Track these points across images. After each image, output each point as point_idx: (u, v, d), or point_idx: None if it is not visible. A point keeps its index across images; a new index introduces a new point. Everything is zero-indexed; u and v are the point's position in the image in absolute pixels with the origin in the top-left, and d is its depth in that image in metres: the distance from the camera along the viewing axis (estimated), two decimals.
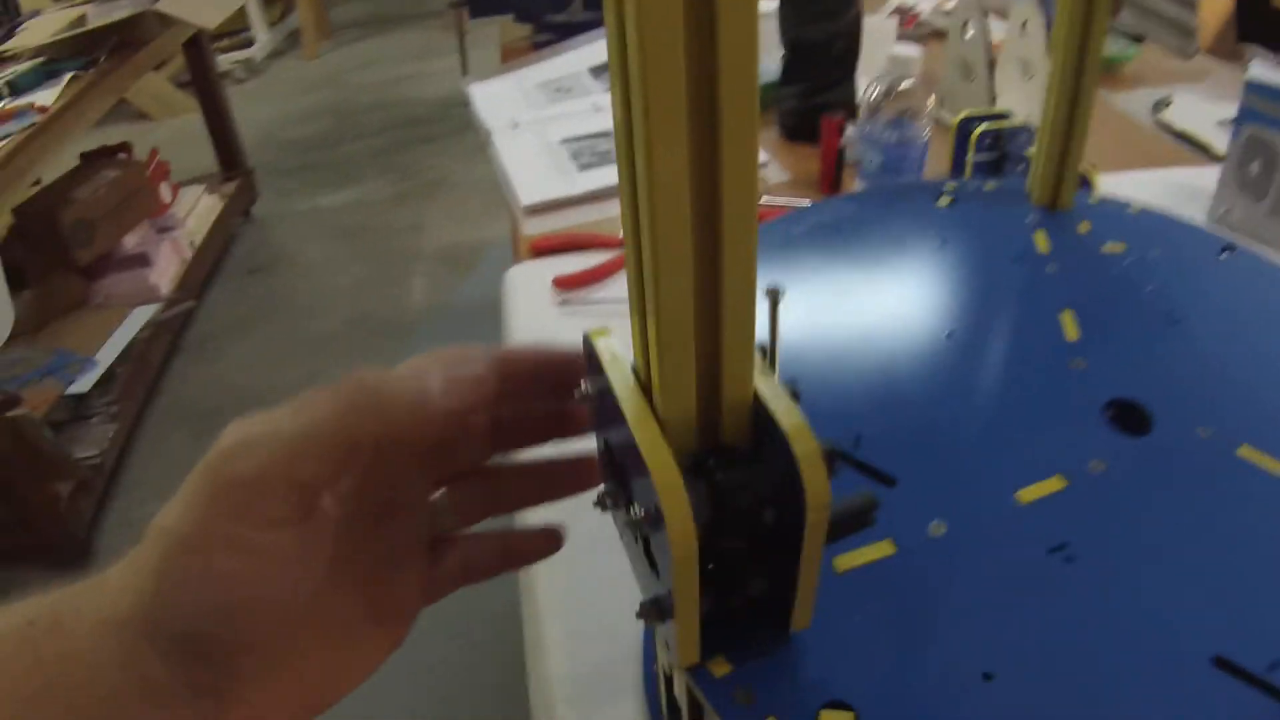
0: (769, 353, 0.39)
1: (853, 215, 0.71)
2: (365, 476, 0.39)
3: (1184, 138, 1.45)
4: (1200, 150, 1.41)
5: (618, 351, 0.40)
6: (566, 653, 0.64)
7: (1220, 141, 1.39)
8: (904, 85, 1.04)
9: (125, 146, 3.23)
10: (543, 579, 0.70)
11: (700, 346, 0.34)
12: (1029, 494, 0.48)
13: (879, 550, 0.45)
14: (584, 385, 0.41)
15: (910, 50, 1.05)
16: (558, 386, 0.43)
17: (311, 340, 2.99)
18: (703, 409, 0.36)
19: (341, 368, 2.54)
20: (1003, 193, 0.74)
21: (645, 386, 0.37)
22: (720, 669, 0.40)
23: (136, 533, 0.36)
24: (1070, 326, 0.58)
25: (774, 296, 0.37)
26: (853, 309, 0.61)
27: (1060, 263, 0.65)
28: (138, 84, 4.30)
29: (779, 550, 0.37)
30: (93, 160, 3.08)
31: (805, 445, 0.34)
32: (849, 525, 0.39)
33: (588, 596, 0.66)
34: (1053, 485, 0.48)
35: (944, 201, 0.72)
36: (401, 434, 0.39)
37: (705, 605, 0.37)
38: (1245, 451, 0.51)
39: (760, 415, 0.36)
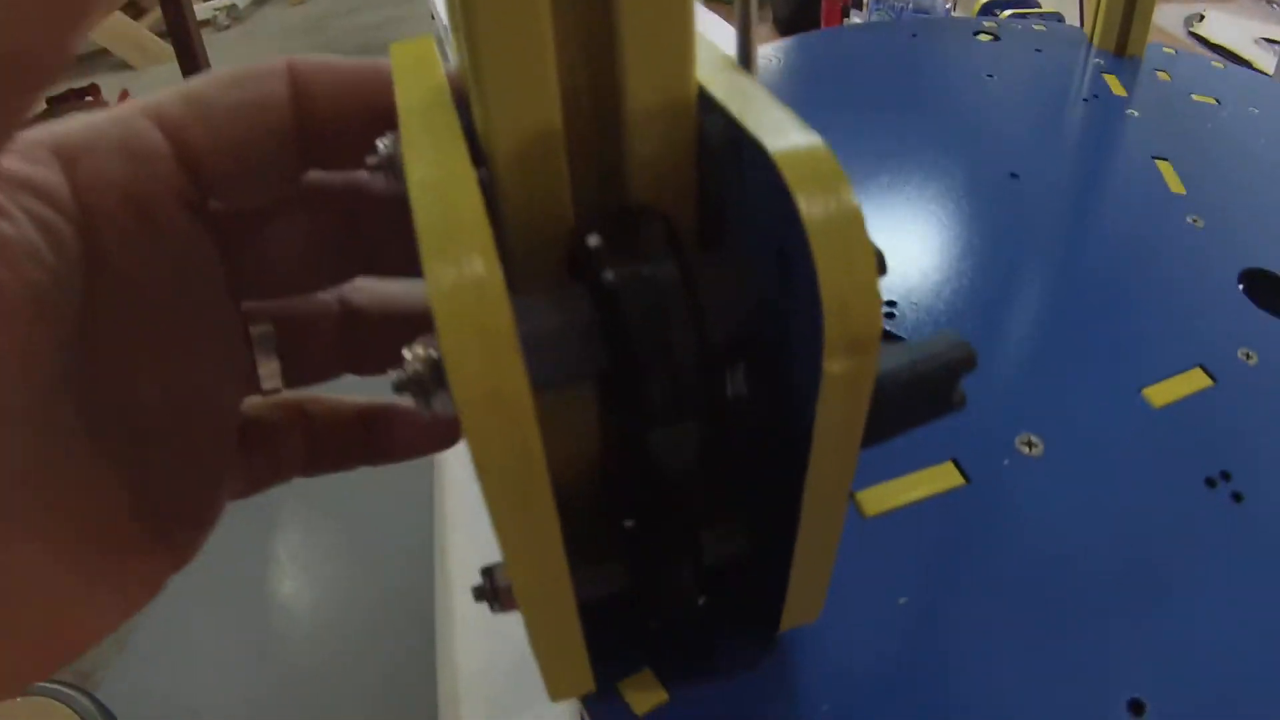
0: (742, 47, 0.20)
1: (872, 43, 0.54)
2: (66, 278, 0.22)
3: (1222, 51, 1.34)
4: (1241, 64, 1.29)
5: (436, 61, 0.22)
6: (482, 635, 0.47)
7: (1261, 59, 1.29)
8: None
9: (92, 89, 3.14)
10: (457, 535, 0.53)
11: None
12: (1162, 393, 0.31)
13: (937, 479, 0.28)
14: (382, 144, 0.21)
15: None
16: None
17: None
18: (584, 132, 0.18)
19: None
20: (1056, 34, 0.57)
21: (462, 98, 0.19)
22: (645, 700, 0.23)
23: None
24: (1172, 178, 0.42)
25: None
26: (876, 145, 0.44)
27: (1143, 108, 0.48)
28: (116, 32, 4.18)
29: (763, 460, 0.20)
30: (58, 104, 2.96)
31: (823, 199, 0.15)
32: (919, 398, 0.20)
33: None
34: (1194, 381, 0.31)
35: (985, 37, 0.56)
36: (122, 177, 0.23)
37: (602, 584, 0.20)
38: None
39: (717, 142, 0.18)
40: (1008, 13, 0.97)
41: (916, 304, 0.34)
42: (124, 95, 3.10)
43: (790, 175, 0.15)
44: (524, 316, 0.15)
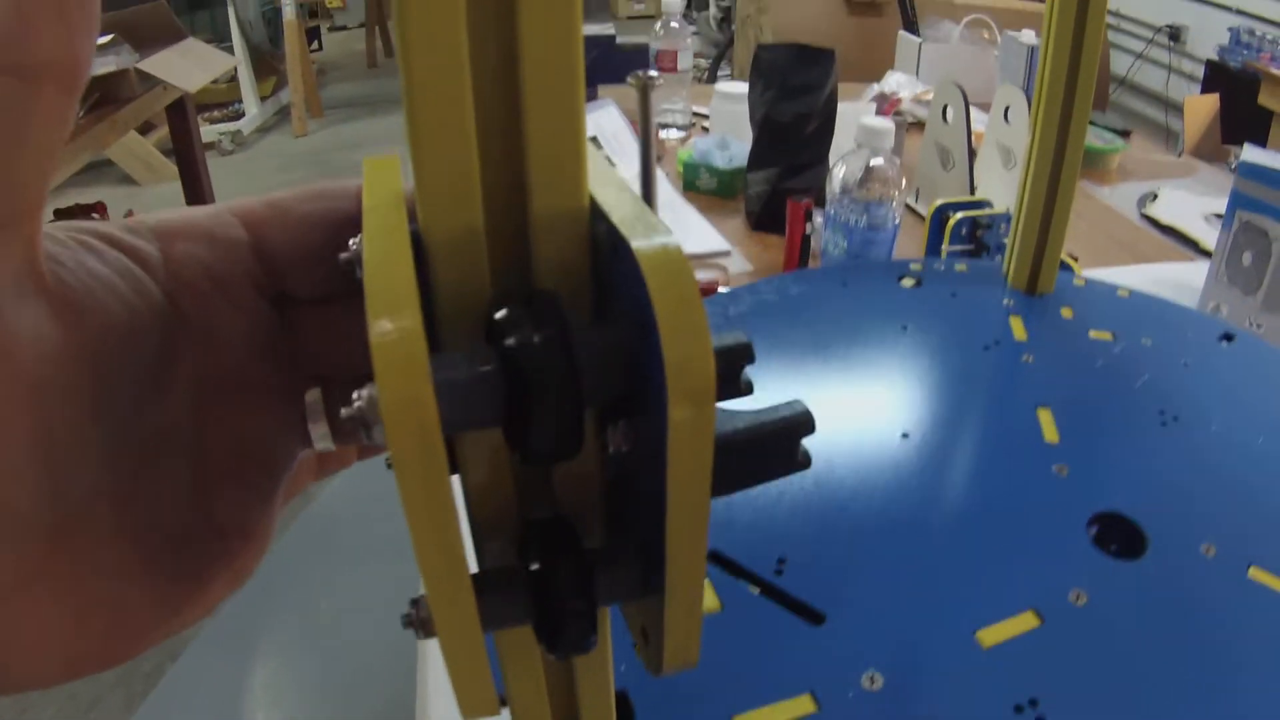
0: (644, 173, 0.26)
1: (800, 294, 0.62)
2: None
3: (1171, 232, 1.41)
4: (1189, 245, 1.37)
5: (398, 174, 0.26)
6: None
7: (1209, 236, 1.37)
8: (875, 161, 0.97)
9: (99, 206, 3.22)
10: (439, 696, 0.59)
11: (488, 116, 0.22)
12: (992, 635, 0.38)
13: (793, 709, 0.36)
14: (353, 243, 0.26)
15: (882, 122, 0.97)
16: None
17: None
18: (501, 231, 0.23)
19: None
20: (976, 274, 0.66)
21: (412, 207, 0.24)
22: None
23: None
24: (1049, 426, 0.50)
25: (644, 83, 0.26)
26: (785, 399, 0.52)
27: (1038, 352, 0.56)
28: (125, 148, 4.27)
29: (645, 509, 0.22)
30: (66, 218, 3.02)
31: (668, 282, 0.20)
32: (763, 453, 0.24)
33: None
34: (1023, 623, 0.39)
35: (908, 282, 0.64)
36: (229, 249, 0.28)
37: (509, 615, 0.23)
38: (1257, 574, 0.42)
39: (603, 241, 0.22)
40: (961, 213, 1.03)
41: (802, 559, 0.42)
42: (130, 215, 3.11)
43: (644, 263, 0.20)
44: (442, 366, 0.20)
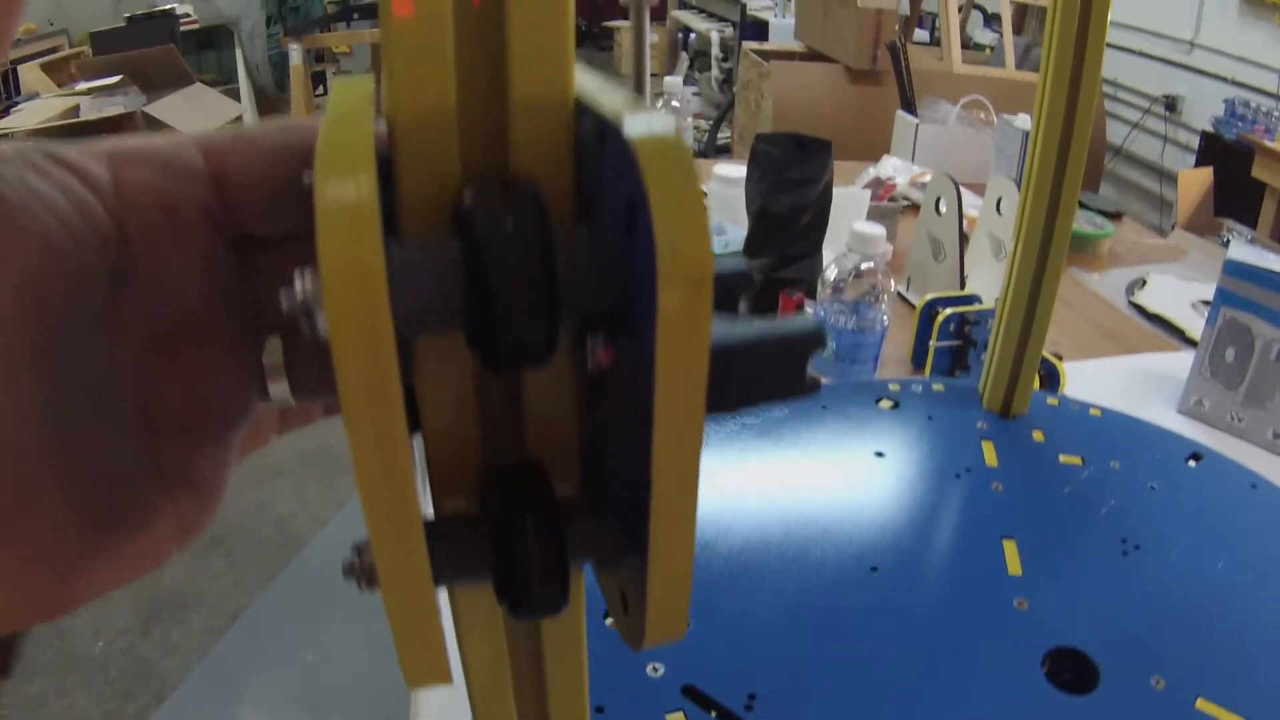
0: (637, 81, 0.24)
1: (781, 418, 0.65)
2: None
3: (1158, 320, 1.43)
4: (1175, 334, 1.39)
5: (369, 89, 0.23)
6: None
7: (1195, 325, 1.38)
8: (865, 265, 1.00)
9: None
10: None
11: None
12: None
13: None
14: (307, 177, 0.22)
15: (874, 228, 1.01)
16: None
17: (262, 469, 2.87)
18: (476, 120, 0.20)
19: (296, 501, 2.49)
20: (953, 395, 0.69)
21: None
22: None
23: None
24: (1013, 559, 0.53)
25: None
26: (760, 535, 0.55)
27: (1008, 480, 0.60)
28: None
29: (627, 450, 0.19)
30: None
31: (662, 153, 0.17)
32: (768, 367, 0.21)
33: None
34: None
35: (886, 404, 0.67)
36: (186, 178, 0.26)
37: (463, 559, 0.20)
38: (1205, 705, 0.45)
39: (589, 141, 0.20)
40: (950, 309, 1.05)
41: (772, 693, 0.45)
42: None
43: (638, 144, 0.17)
44: (397, 250, 0.17)
